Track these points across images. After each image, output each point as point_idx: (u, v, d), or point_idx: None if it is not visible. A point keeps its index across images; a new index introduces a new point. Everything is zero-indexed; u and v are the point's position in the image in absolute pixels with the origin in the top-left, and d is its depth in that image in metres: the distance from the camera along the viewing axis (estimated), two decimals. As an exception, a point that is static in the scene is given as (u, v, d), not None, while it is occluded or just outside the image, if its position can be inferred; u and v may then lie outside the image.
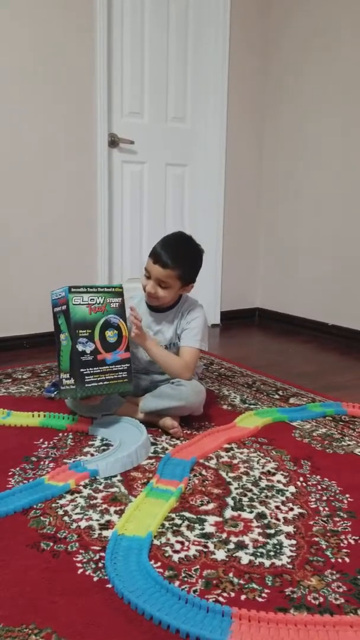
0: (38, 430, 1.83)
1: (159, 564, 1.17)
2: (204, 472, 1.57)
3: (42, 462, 1.61)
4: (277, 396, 2.22)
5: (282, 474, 1.57)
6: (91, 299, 1.72)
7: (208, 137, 3.35)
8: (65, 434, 1.81)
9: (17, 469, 1.57)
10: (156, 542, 1.25)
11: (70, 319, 1.67)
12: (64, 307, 1.70)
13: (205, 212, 3.44)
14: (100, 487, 1.47)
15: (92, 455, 1.67)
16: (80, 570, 1.15)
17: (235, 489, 1.48)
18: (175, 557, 1.20)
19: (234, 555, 1.21)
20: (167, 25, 3.12)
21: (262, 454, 1.69)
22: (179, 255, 1.85)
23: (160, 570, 1.15)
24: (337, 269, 3.16)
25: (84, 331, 1.69)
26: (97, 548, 1.22)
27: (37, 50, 2.70)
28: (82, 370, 1.68)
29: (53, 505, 1.38)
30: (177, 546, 1.24)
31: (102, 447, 1.72)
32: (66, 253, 2.93)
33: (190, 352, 1.88)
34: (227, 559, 1.19)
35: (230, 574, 1.15)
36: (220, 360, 2.70)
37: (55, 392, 2.11)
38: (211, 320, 3.44)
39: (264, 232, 3.61)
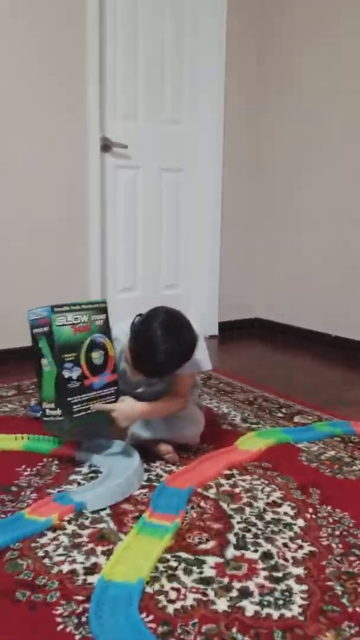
0: (20, 455, 1.68)
1: (151, 617, 1.02)
2: (202, 504, 1.41)
3: (23, 493, 1.45)
4: (280, 414, 2.07)
5: (289, 505, 1.42)
6: (75, 318, 1.56)
7: (204, 141, 3.22)
8: (50, 459, 1.66)
9: (-5, 500, 1.41)
10: (149, 589, 1.09)
11: (54, 342, 1.51)
12: (45, 329, 1.53)
13: (201, 219, 3.30)
14: (87, 523, 1.32)
15: (79, 484, 1.51)
16: (60, 627, 0.99)
17: (238, 523, 1.33)
18: (171, 608, 1.04)
19: (237, 605, 1.06)
20: (162, 24, 2.99)
21: (266, 482, 1.54)
22: (173, 367, 1.55)
23: (153, 625, 1.00)
24: (340, 277, 3.02)
25: (69, 355, 1.54)
26: (81, 598, 1.06)
27: (22, 48, 2.56)
28: (69, 399, 1.53)
29: (32, 544, 1.23)
30: (173, 594, 1.08)
31: (91, 475, 1.56)
32: (56, 263, 2.78)
33: (186, 380, 1.69)
34: (229, 610, 1.04)
35: (234, 629, 0.99)
36: (218, 374, 2.55)
37: (41, 412, 1.95)
38: (208, 332, 3.30)
39: (263, 240, 3.48)
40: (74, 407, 1.53)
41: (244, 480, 1.54)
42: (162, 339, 1.48)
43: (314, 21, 3.04)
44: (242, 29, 3.24)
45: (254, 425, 1.95)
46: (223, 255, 3.38)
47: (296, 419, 2.02)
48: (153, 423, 1.67)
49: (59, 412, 1.53)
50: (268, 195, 3.42)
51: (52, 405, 1.54)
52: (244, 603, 1.06)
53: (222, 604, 1.06)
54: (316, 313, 3.16)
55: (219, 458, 1.65)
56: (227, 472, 1.59)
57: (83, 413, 1.55)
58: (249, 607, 1.05)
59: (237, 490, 1.49)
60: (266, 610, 1.04)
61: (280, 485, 1.52)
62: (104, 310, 1.65)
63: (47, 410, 1.56)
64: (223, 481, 1.54)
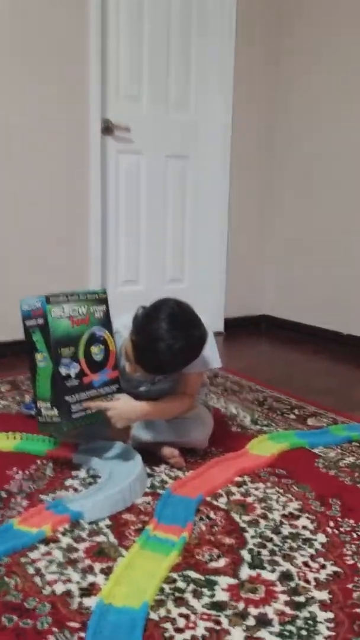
0: (12, 457, 1.54)
1: (156, 649, 0.88)
2: (212, 515, 1.28)
3: (13, 499, 1.32)
4: (292, 416, 1.93)
5: (307, 517, 1.28)
6: (73, 310, 1.42)
7: (212, 127, 3.07)
8: (45, 461, 1.52)
9: (-17, 507, 1.28)
10: (153, 615, 0.96)
11: (50, 336, 1.37)
12: (40, 321, 1.39)
13: (208, 209, 3.16)
14: (84, 535, 1.18)
15: (75, 490, 1.37)
16: (51, 661, 0.86)
17: (252, 537, 1.20)
18: (179, 639, 0.91)
19: (254, 635, 0.92)
20: (168, 3, 2.83)
21: (281, 490, 1.40)
22: (178, 366, 1.42)
23: (159, 660, 0.86)
24: (352, 273, 2.88)
25: (67, 349, 1.40)
26: (76, 625, 0.93)
27: (21, 22, 2.41)
28: (66, 398, 1.39)
29: (22, 559, 1.09)
30: (181, 622, 0.94)
31: (89, 480, 1.42)
32: (54, 253, 2.64)
33: (194, 379, 1.55)
34: (246, 643, 0.90)
35: (252, 667, 0.86)
36: (225, 372, 2.41)
37: (35, 412, 1.81)
38: (214, 328, 3.14)
39: (272, 234, 3.33)
40: (72, 407, 1.40)
41: (256, 489, 1.40)
42: (168, 333, 1.33)
43: (331, 13, 2.90)
44: (252, 9, 3.09)
45: (265, 428, 1.81)
46: (230, 248, 3.23)
47: (310, 421, 1.89)
48: (155, 424, 1.53)
49: (55, 412, 1.39)
50: (279, 186, 3.27)
51: (48, 405, 1.40)
52: (263, 633, 0.92)
53: (237, 634, 0.92)
54: (328, 310, 3.02)
55: (229, 463, 1.51)
56: (238, 479, 1.45)
57: (82, 413, 1.41)
58: (269, 639, 0.91)
59: (249, 499, 1.35)
60: (288, 643, 0.91)
61: (296, 495, 1.38)
62: (104, 301, 1.51)
63: (43, 410, 1.42)
64: (234, 489, 1.40)
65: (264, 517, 1.27)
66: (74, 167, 2.63)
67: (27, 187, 2.53)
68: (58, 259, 2.65)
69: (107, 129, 2.71)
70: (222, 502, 1.33)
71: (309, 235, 3.11)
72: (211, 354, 1.53)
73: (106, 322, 1.50)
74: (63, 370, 1.38)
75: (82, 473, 1.46)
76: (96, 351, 1.46)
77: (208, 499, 1.34)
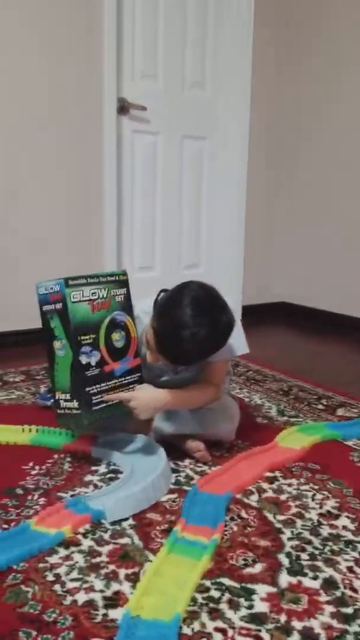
0: (28, 450, 1.45)
1: (192, 669, 0.79)
2: (244, 514, 1.18)
3: (29, 497, 1.23)
4: (321, 406, 1.83)
5: (347, 517, 1.18)
6: (93, 293, 1.32)
7: (230, 107, 2.95)
8: (62, 455, 1.43)
9: (-4, 506, 1.19)
10: (186, 629, 0.86)
11: (69, 322, 1.27)
12: (58, 306, 1.29)
13: (226, 192, 3.04)
14: (106, 537, 1.09)
15: (95, 487, 1.28)
16: None
17: (289, 539, 1.10)
18: (216, 657, 0.81)
19: (301, 653, 0.82)
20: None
21: (316, 487, 1.30)
22: (203, 355, 1.32)
23: None
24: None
25: (87, 337, 1.29)
26: (101, 641, 0.83)
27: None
28: (88, 389, 1.29)
29: (40, 565, 1.00)
30: (218, 637, 0.85)
31: (109, 476, 1.33)
32: (67, 237, 2.54)
33: (219, 367, 1.45)
34: (292, 661, 0.81)
35: None
36: (246, 361, 2.31)
37: (52, 400, 1.72)
38: (232, 315, 3.04)
39: (292, 217, 3.21)
40: (94, 398, 1.30)
41: (289, 485, 1.30)
42: (192, 320, 1.23)
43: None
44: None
45: (292, 419, 1.71)
46: (248, 233, 3.12)
47: (340, 411, 1.78)
48: (178, 415, 1.43)
49: (75, 404, 1.29)
50: (300, 168, 3.14)
51: (68, 396, 1.30)
52: (310, 651, 0.83)
53: (281, 652, 0.82)
54: (350, 296, 2.90)
55: (258, 457, 1.41)
56: (269, 474, 1.35)
57: (103, 405, 1.32)
58: (317, 658, 0.82)
59: (283, 497, 1.25)
60: (339, 662, 0.81)
61: (333, 492, 1.28)
62: (124, 283, 1.41)
63: (62, 401, 1.32)
64: (265, 485, 1.30)
65: (300, 516, 1.17)
66: (89, 147, 2.52)
67: (40, 170, 2.42)
68: (72, 244, 2.55)
69: (123, 108, 2.60)
70: (253, 499, 1.24)
71: (331, 220, 2.98)
72: (238, 339, 1.42)
73: (127, 306, 1.40)
74: (83, 359, 1.28)
75: (102, 468, 1.36)
76: (117, 338, 1.36)
77: (238, 496, 1.25)
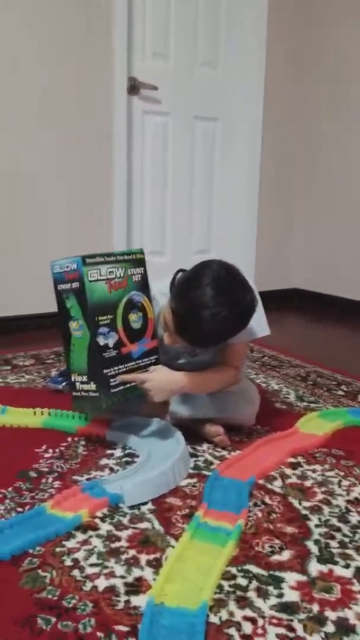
0: (40, 434, 1.40)
1: (222, 661, 0.74)
2: (268, 500, 1.13)
3: (44, 480, 1.18)
4: (341, 392, 1.77)
5: (376, 504, 1.13)
6: (110, 272, 1.26)
7: (243, 88, 2.88)
8: (76, 439, 1.38)
9: (9, 489, 1.14)
10: (214, 617, 0.81)
11: (86, 302, 1.22)
12: (75, 285, 1.23)
13: (238, 176, 2.97)
14: (125, 521, 1.04)
15: (111, 470, 1.23)
16: (98, 673, 0.72)
17: (317, 526, 1.05)
18: (247, 648, 0.76)
19: (337, 645, 0.77)
20: None
21: (342, 473, 1.25)
22: (224, 337, 1.27)
23: (227, 674, 0.72)
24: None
25: (104, 317, 1.24)
26: (125, 629, 0.79)
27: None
28: (105, 371, 1.24)
29: (57, 549, 0.95)
30: (247, 627, 0.80)
31: (125, 459, 1.28)
32: (76, 219, 2.48)
33: (239, 349, 1.39)
34: (328, 654, 0.76)
35: None
36: (261, 347, 2.25)
37: (64, 384, 1.68)
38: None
39: (305, 200, 3.14)
40: (111, 380, 1.25)
41: (314, 471, 1.25)
42: (213, 300, 1.17)
43: None
44: None
45: (312, 405, 1.65)
46: (261, 217, 3.05)
47: (360, 398, 1.73)
48: (196, 399, 1.38)
49: (93, 386, 1.24)
50: (313, 152, 3.07)
51: (84, 379, 1.25)
52: (347, 643, 0.78)
53: (316, 643, 0.78)
54: (364, 283, 2.85)
55: (279, 443, 1.36)
56: (292, 460, 1.30)
57: (121, 387, 1.27)
58: (355, 650, 0.77)
59: (307, 483, 1.20)
60: (377, 654, 0.76)
61: (359, 478, 1.23)
62: (141, 262, 1.36)
63: (78, 384, 1.27)
64: (288, 471, 1.25)
65: (327, 503, 1.12)
66: (99, 127, 2.46)
67: (48, 151, 2.36)
68: (80, 228, 2.49)
69: (133, 87, 2.53)
70: (277, 485, 1.19)
71: (346, 203, 2.92)
72: (259, 321, 1.37)
73: (144, 286, 1.34)
74: (101, 340, 1.23)
75: (117, 452, 1.32)
76: (134, 318, 1.30)
77: (260, 481, 1.20)
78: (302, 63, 3.01)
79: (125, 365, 1.28)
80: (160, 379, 1.28)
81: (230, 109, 2.89)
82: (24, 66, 2.25)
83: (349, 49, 2.81)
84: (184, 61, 2.70)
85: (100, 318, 1.23)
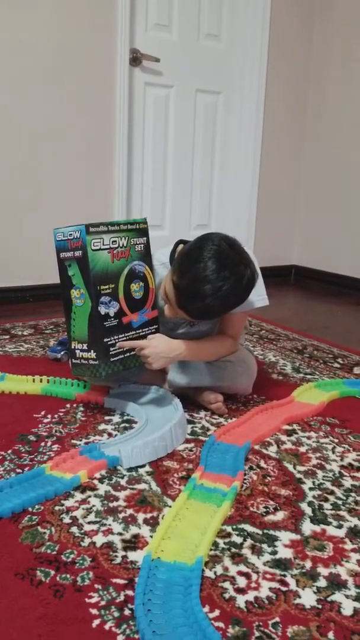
0: (39, 400, 1.42)
1: (216, 612, 0.76)
2: (263, 464, 1.15)
3: (43, 443, 1.20)
4: (337, 365, 1.79)
5: (369, 469, 1.15)
6: (113, 242, 1.26)
7: (246, 61, 2.84)
8: (74, 405, 1.39)
9: (9, 451, 1.16)
10: (209, 572, 0.84)
11: (89, 271, 1.22)
12: (77, 253, 1.23)
13: (239, 150, 2.95)
14: (123, 482, 1.06)
15: (110, 435, 1.25)
16: (96, 622, 0.74)
17: (310, 489, 1.07)
18: (241, 601, 0.78)
19: (329, 599, 0.79)
20: None
21: (336, 440, 1.27)
22: (225, 309, 1.28)
23: (221, 624, 0.74)
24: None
25: (106, 287, 1.24)
26: (122, 582, 0.81)
27: None
28: (106, 340, 1.25)
29: (56, 507, 0.97)
30: (242, 581, 0.82)
31: (123, 425, 1.30)
32: (76, 192, 2.47)
33: (238, 319, 1.41)
34: (319, 606, 0.78)
35: (330, 634, 0.73)
36: (259, 320, 2.26)
37: (62, 353, 1.69)
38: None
39: (306, 177, 3.13)
40: (112, 349, 1.26)
41: (308, 438, 1.27)
42: (215, 274, 1.17)
43: None
44: None
45: (308, 376, 1.67)
46: (261, 194, 3.04)
47: (357, 370, 1.74)
48: (193, 367, 1.39)
49: (93, 354, 1.25)
50: (316, 128, 3.05)
51: (84, 346, 1.26)
52: (338, 597, 0.80)
53: (308, 597, 0.80)
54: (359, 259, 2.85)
55: (276, 411, 1.38)
56: (287, 427, 1.32)
57: (121, 356, 1.28)
58: (346, 604, 0.79)
59: (302, 449, 1.22)
60: (368, 608, 0.78)
61: (353, 445, 1.25)
62: (144, 232, 1.35)
63: (78, 351, 1.28)
64: (284, 438, 1.27)
65: (321, 467, 1.14)
66: (99, 99, 2.43)
67: (48, 122, 2.34)
68: (80, 201, 2.48)
69: (135, 59, 2.50)
70: (272, 450, 1.20)
71: (346, 181, 2.90)
72: (258, 291, 1.37)
73: (146, 256, 1.34)
74: (102, 310, 1.23)
75: (115, 417, 1.33)
76: (136, 288, 1.31)
77: (256, 447, 1.22)
78: (309, 36, 2.97)
79: (126, 335, 1.29)
80: (159, 346, 1.29)
81: (233, 83, 2.86)
82: (26, 38, 2.21)
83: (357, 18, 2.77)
84: (186, 33, 2.66)
85: (102, 287, 1.24)
